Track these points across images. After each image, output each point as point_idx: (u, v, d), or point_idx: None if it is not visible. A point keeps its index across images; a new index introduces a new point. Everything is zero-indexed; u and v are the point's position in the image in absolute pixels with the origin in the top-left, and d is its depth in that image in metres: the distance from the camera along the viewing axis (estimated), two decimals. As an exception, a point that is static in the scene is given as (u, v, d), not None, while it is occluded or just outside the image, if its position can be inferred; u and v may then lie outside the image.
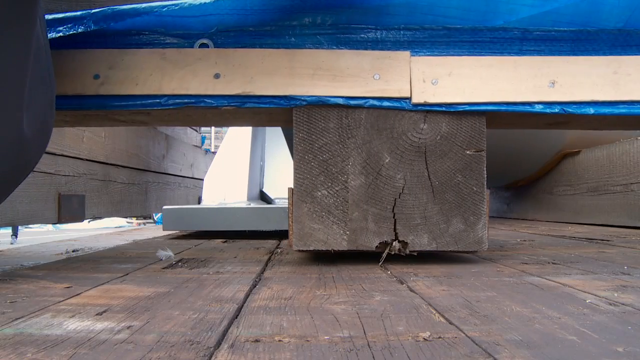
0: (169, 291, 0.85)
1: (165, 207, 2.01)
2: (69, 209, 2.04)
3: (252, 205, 2.06)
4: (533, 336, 0.57)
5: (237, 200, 2.21)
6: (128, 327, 0.61)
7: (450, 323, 0.63)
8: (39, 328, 0.62)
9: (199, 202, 3.97)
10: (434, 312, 0.69)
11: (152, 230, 2.61)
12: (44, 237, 2.69)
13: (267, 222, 1.97)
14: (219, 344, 0.56)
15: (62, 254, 1.46)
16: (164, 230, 2.03)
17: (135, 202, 2.84)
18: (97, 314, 0.68)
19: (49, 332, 0.60)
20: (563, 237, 1.97)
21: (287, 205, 1.91)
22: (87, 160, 2.16)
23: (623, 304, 0.72)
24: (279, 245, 1.68)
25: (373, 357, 0.51)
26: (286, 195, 2.78)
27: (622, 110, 1.23)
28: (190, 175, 4.04)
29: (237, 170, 2.36)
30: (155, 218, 7.88)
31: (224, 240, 1.90)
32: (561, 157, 3.23)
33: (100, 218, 2.37)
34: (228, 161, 2.47)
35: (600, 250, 1.45)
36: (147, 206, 3.03)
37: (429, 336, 0.57)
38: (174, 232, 2.27)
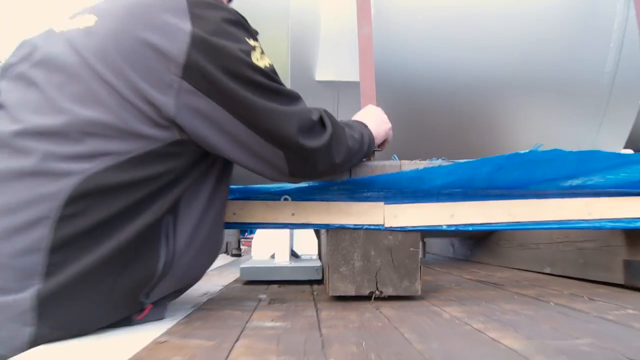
0: (291, 326, 2.14)
1: (241, 266, 3.33)
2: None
3: (293, 264, 3.39)
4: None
5: (282, 259, 3.53)
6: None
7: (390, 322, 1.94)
8: None
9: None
10: (388, 321, 1.99)
11: (221, 276, 3.91)
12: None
13: (302, 274, 3.30)
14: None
15: (201, 295, 2.77)
16: (241, 278, 3.35)
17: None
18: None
19: None
20: (485, 282, 3.17)
21: (313, 264, 3.24)
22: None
23: (458, 318, 2.02)
24: (312, 289, 2.99)
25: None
26: (308, 253, 4.13)
27: (491, 227, 2.56)
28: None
29: (280, 238, 3.67)
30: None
31: (279, 285, 3.21)
32: (502, 220, 4.56)
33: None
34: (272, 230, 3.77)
35: (487, 292, 2.73)
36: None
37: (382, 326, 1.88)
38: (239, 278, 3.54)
